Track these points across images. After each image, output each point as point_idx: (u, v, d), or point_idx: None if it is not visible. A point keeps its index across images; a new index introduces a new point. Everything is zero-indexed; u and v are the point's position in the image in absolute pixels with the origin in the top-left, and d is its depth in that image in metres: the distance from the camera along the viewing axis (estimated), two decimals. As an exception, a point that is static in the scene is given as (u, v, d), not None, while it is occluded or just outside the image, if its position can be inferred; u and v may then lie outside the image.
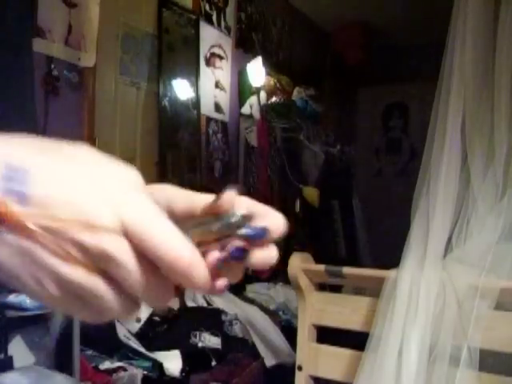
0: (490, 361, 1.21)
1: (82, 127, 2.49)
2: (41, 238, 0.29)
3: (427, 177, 1.46)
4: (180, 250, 0.31)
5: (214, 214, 0.35)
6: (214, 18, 3.56)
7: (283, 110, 4.13)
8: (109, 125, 2.73)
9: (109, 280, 0.31)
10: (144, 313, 2.02)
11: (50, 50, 2.24)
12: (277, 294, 2.91)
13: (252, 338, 2.27)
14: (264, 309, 2.63)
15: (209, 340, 2.07)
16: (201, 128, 3.39)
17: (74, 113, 2.44)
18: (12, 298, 1.62)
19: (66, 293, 0.30)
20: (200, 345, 2.03)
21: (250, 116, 3.93)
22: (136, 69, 2.90)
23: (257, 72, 3.79)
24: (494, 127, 1.43)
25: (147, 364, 1.80)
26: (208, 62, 3.48)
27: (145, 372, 1.78)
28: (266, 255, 0.35)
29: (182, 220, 0.35)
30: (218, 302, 2.49)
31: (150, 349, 1.88)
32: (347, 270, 1.43)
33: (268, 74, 4.00)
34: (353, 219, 4.54)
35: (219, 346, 2.07)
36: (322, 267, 1.45)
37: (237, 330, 2.28)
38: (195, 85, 3.32)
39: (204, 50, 3.43)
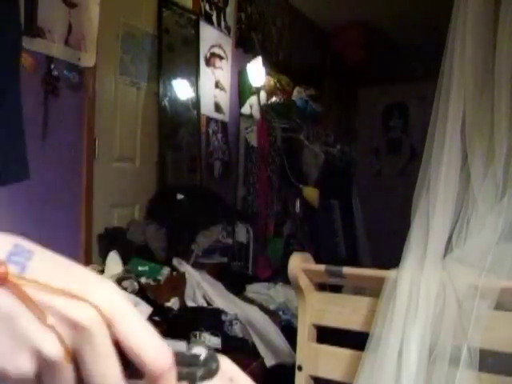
0: (489, 361, 1.21)
1: (81, 127, 2.49)
2: (29, 302, 0.31)
3: (427, 177, 1.46)
4: (156, 360, 0.33)
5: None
6: (214, 18, 3.56)
7: (283, 109, 4.14)
8: (109, 125, 2.73)
9: (76, 369, 0.31)
10: (144, 313, 2.02)
11: (49, 50, 2.24)
12: (277, 294, 2.91)
13: (252, 338, 2.27)
14: (264, 309, 2.63)
15: (209, 340, 2.07)
16: (201, 128, 3.39)
17: (74, 113, 2.44)
18: None
19: (33, 369, 0.31)
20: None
21: (250, 116, 3.93)
22: (136, 69, 2.90)
23: (257, 72, 3.79)
24: (494, 127, 1.43)
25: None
26: (208, 62, 3.48)
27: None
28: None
29: None
30: (218, 302, 2.49)
31: (150, 349, 1.88)
32: (347, 269, 1.43)
33: (268, 73, 4.01)
34: (353, 219, 4.54)
35: (219, 346, 2.07)
36: (322, 267, 1.45)
37: (237, 330, 2.28)
38: (195, 85, 3.32)
39: (204, 50, 3.43)
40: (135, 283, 2.23)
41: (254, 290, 2.94)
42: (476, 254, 1.33)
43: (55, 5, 2.26)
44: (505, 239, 1.33)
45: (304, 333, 1.48)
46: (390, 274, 1.37)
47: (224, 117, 3.66)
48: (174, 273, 2.56)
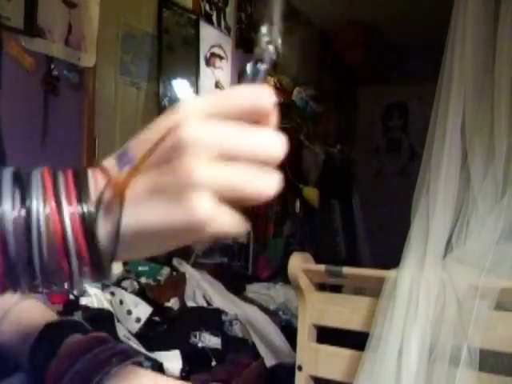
0: (490, 361, 1.21)
1: (81, 127, 2.49)
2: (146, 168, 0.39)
3: (427, 177, 1.46)
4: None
5: None
6: (214, 17, 3.56)
7: (283, 109, 4.13)
8: (109, 125, 2.73)
9: None
10: (144, 313, 2.02)
11: (49, 50, 2.24)
12: (277, 293, 2.90)
13: (252, 338, 2.27)
14: (264, 309, 2.63)
15: (209, 340, 2.07)
16: (201, 128, 3.39)
17: (73, 113, 2.44)
18: None
19: None
20: (200, 345, 2.03)
21: (250, 116, 3.93)
22: (136, 69, 2.90)
23: (257, 72, 3.79)
24: (494, 127, 1.43)
25: (147, 364, 1.80)
26: (208, 62, 3.48)
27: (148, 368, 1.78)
28: (266, 183, 0.40)
29: None
30: (218, 302, 2.49)
31: (150, 349, 1.88)
32: (347, 269, 1.43)
33: (268, 73, 4.00)
34: (353, 219, 4.54)
35: (219, 346, 2.07)
36: (322, 267, 1.45)
37: (237, 330, 2.28)
38: (195, 85, 3.32)
39: (204, 50, 3.43)
40: (135, 283, 2.23)
41: (253, 290, 2.94)
42: (476, 254, 1.33)
43: (55, 5, 2.26)
44: (505, 239, 1.33)
45: (304, 333, 1.48)
46: (389, 273, 1.37)
47: (224, 117, 3.66)
48: (174, 273, 2.56)
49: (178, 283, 2.50)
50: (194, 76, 3.33)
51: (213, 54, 3.53)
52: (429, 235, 1.40)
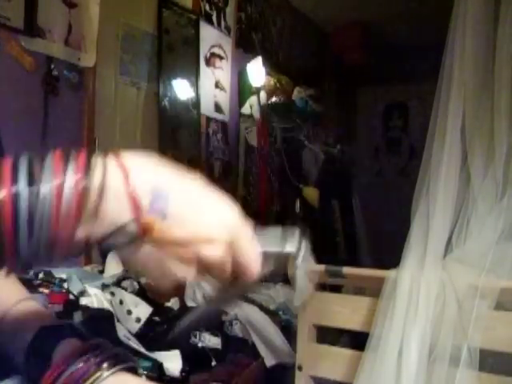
0: (490, 361, 1.21)
1: (81, 127, 2.49)
2: (170, 249, 0.42)
3: (427, 177, 1.46)
4: (256, 269, 0.47)
5: None
6: (214, 17, 3.56)
7: (283, 109, 4.13)
8: (109, 125, 2.73)
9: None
10: (144, 313, 2.02)
11: (49, 50, 2.24)
12: (277, 293, 2.90)
13: (252, 338, 2.27)
14: (264, 309, 2.63)
15: (209, 340, 2.07)
16: (201, 128, 3.39)
17: (73, 113, 2.44)
18: None
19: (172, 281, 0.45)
20: (200, 345, 2.03)
21: (250, 116, 3.93)
22: (136, 69, 2.90)
23: (257, 72, 3.79)
24: (494, 127, 1.43)
25: (147, 364, 1.80)
26: (208, 62, 3.48)
27: (145, 372, 1.78)
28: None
29: None
30: (218, 302, 2.49)
31: (150, 349, 1.88)
32: (347, 269, 1.43)
33: (268, 73, 4.00)
34: (353, 219, 4.54)
35: (219, 346, 2.07)
36: (321, 267, 1.45)
37: (237, 330, 2.28)
38: (195, 85, 3.32)
39: (204, 50, 3.43)
40: (135, 283, 2.23)
41: (253, 290, 2.93)
42: (476, 254, 1.33)
43: (55, 5, 2.26)
44: (505, 239, 1.33)
45: (304, 333, 1.48)
46: (389, 274, 1.37)
47: (224, 117, 3.66)
48: (174, 273, 2.55)
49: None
50: (194, 76, 3.33)
51: (213, 54, 3.53)
52: (429, 235, 1.40)
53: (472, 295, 1.23)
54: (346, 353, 1.44)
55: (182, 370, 1.85)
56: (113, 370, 0.51)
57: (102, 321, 1.78)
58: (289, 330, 2.42)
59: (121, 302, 1.98)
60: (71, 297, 1.87)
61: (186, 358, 1.89)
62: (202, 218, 0.43)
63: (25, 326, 0.57)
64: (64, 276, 2.01)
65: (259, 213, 3.89)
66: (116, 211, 0.41)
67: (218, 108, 3.60)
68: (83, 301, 1.90)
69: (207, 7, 3.47)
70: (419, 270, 1.34)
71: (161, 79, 3.03)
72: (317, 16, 4.74)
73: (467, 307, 1.23)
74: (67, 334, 0.55)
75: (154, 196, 0.41)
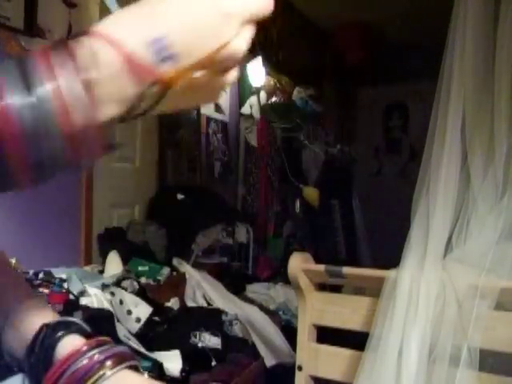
0: (489, 361, 1.21)
1: (82, 127, 2.49)
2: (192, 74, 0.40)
3: (427, 177, 1.46)
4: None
5: None
6: (214, 17, 3.56)
7: (283, 109, 4.14)
8: (109, 125, 2.73)
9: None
10: (144, 313, 2.02)
11: (49, 50, 2.24)
12: (277, 293, 2.91)
13: (252, 338, 2.27)
14: (264, 309, 2.63)
15: (209, 340, 2.07)
16: (201, 128, 3.39)
17: (73, 113, 2.44)
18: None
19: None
20: (200, 345, 2.03)
21: (250, 116, 3.93)
22: (136, 69, 2.90)
23: (257, 72, 3.79)
24: (494, 127, 1.43)
25: (147, 364, 1.80)
26: (208, 62, 3.48)
27: (145, 372, 1.78)
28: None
29: None
30: (218, 302, 2.49)
31: (150, 349, 1.88)
32: (347, 269, 1.43)
33: (268, 74, 4.01)
34: (353, 219, 4.54)
35: (219, 346, 2.07)
36: (321, 267, 1.45)
37: (237, 330, 2.28)
38: (195, 85, 3.32)
39: (204, 50, 3.43)
40: (135, 283, 2.23)
41: (253, 289, 2.94)
42: (476, 253, 1.33)
43: (55, 5, 2.26)
44: (505, 239, 1.33)
45: (304, 333, 1.48)
46: (389, 274, 1.37)
47: (224, 117, 3.66)
48: (174, 273, 2.56)
49: (178, 283, 2.50)
50: (194, 76, 3.33)
51: (213, 54, 3.53)
52: (429, 235, 1.40)
53: (472, 295, 1.23)
54: (346, 353, 1.44)
55: (182, 370, 1.85)
56: (116, 368, 0.51)
57: (102, 321, 1.78)
58: (289, 330, 2.42)
59: (121, 302, 1.98)
60: (71, 297, 1.87)
61: (185, 358, 1.89)
62: (205, 28, 0.40)
63: (26, 324, 0.57)
64: (64, 276, 2.01)
65: (259, 213, 3.89)
66: (126, 85, 0.39)
67: (218, 108, 3.60)
68: (83, 301, 1.90)
69: (207, 7, 3.47)
70: (419, 270, 1.34)
71: (161, 79, 3.03)
72: (317, 16, 4.74)
73: (467, 307, 1.23)
74: (70, 330, 0.55)
75: (154, 46, 0.38)
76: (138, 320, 1.99)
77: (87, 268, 2.42)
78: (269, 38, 4.31)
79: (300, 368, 1.48)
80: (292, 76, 4.39)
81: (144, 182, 3.00)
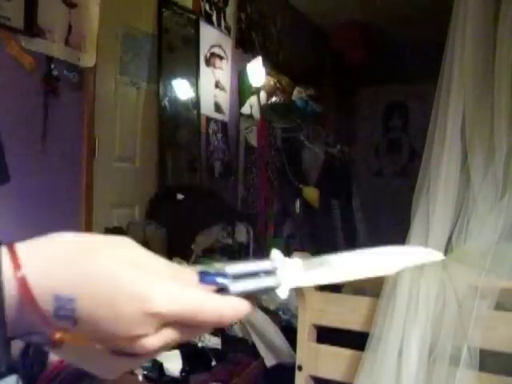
0: (489, 361, 1.21)
1: (81, 127, 2.49)
2: (88, 344, 0.37)
3: (427, 177, 1.46)
4: (213, 309, 0.39)
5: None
6: (214, 17, 3.56)
7: (283, 109, 4.13)
8: (109, 125, 2.73)
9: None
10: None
11: (49, 50, 2.24)
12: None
13: (252, 338, 2.27)
14: (264, 309, 2.63)
15: (209, 340, 2.07)
16: (201, 128, 3.39)
17: (74, 113, 2.44)
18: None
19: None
20: (200, 345, 2.03)
21: (250, 116, 3.93)
22: (136, 69, 2.90)
23: (257, 72, 3.79)
24: (494, 127, 1.43)
25: (147, 364, 1.80)
26: (208, 62, 3.48)
27: (145, 372, 1.78)
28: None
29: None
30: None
31: (150, 349, 1.88)
32: (347, 269, 1.43)
33: (268, 74, 4.00)
34: (353, 219, 4.54)
35: (219, 346, 2.07)
36: (322, 267, 1.45)
37: (237, 330, 2.28)
38: (195, 85, 3.32)
39: (204, 50, 3.43)
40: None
41: (254, 290, 2.93)
42: (476, 253, 1.33)
43: (55, 5, 2.26)
44: (505, 239, 1.33)
45: (304, 333, 1.48)
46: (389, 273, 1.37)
47: (224, 117, 3.66)
48: (174, 273, 2.55)
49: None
50: (194, 76, 3.33)
51: (213, 54, 3.53)
52: (429, 235, 1.40)
53: (472, 295, 1.23)
54: (346, 353, 1.44)
55: (182, 370, 1.85)
56: None
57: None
58: (289, 330, 2.42)
59: (121, 302, 1.98)
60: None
61: (186, 358, 1.89)
62: (119, 315, 0.37)
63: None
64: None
65: (259, 213, 3.89)
66: (21, 320, 0.37)
67: (217, 108, 3.60)
68: (83, 301, 1.89)
69: (207, 7, 3.47)
70: (419, 270, 1.34)
71: (161, 79, 3.03)
72: (317, 16, 4.74)
73: (467, 307, 1.23)
74: None
75: (58, 302, 0.37)
76: (138, 320, 1.99)
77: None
78: (269, 38, 4.31)
79: (300, 368, 1.48)
80: (292, 76, 4.39)
81: (144, 182, 3.00)
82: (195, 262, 2.83)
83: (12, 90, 2.11)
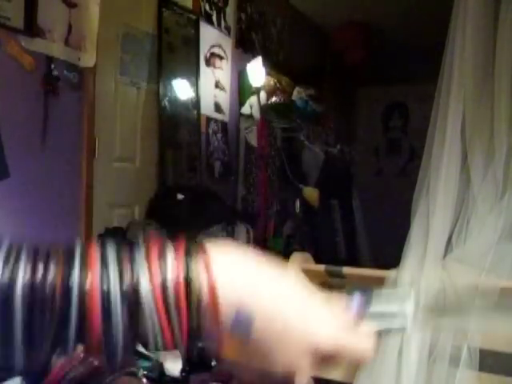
0: (489, 361, 1.21)
1: (81, 127, 2.49)
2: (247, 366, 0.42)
3: (427, 177, 1.46)
4: (363, 352, 0.45)
5: None
6: (214, 17, 3.56)
7: (283, 109, 4.13)
8: (109, 125, 2.73)
9: None
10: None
11: (49, 50, 2.24)
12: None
13: (252, 338, 2.27)
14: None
15: (209, 340, 2.07)
16: (201, 128, 3.39)
17: (74, 113, 2.44)
18: None
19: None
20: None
21: (250, 116, 3.93)
22: (136, 69, 2.90)
23: (257, 72, 3.79)
24: (494, 127, 1.43)
25: (147, 364, 1.80)
26: (208, 62, 3.48)
27: (145, 372, 1.78)
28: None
29: None
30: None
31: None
32: (347, 269, 1.43)
33: (268, 74, 4.00)
34: (353, 219, 4.54)
35: (219, 346, 2.07)
36: (321, 267, 1.45)
37: (237, 329, 2.28)
38: (195, 85, 3.32)
39: (204, 50, 3.43)
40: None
41: (253, 289, 2.93)
42: (476, 254, 1.33)
43: (55, 5, 2.26)
44: (505, 239, 1.33)
45: (304, 333, 1.48)
46: (389, 273, 1.37)
47: (224, 117, 3.66)
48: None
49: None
50: (194, 76, 3.33)
51: (213, 54, 3.53)
52: (429, 235, 1.40)
53: (472, 295, 1.23)
54: (346, 353, 1.44)
55: (182, 370, 1.85)
56: (114, 375, 0.51)
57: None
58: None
59: (121, 302, 1.98)
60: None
61: (186, 358, 1.89)
62: (287, 349, 0.40)
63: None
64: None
65: (259, 213, 3.89)
66: (199, 319, 0.40)
67: (218, 108, 3.60)
68: (83, 301, 1.89)
69: (207, 7, 3.47)
70: (419, 270, 1.34)
71: (161, 79, 3.03)
72: (317, 16, 4.74)
73: (467, 307, 1.23)
74: None
75: (238, 317, 0.39)
76: (138, 320, 1.99)
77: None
78: (269, 38, 4.31)
79: (300, 368, 1.47)
80: (292, 76, 4.39)
81: (144, 182, 3.00)
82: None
83: (12, 90, 2.11)
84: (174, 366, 1.85)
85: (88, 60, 2.44)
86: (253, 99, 3.92)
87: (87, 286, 0.36)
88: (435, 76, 1.52)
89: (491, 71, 1.45)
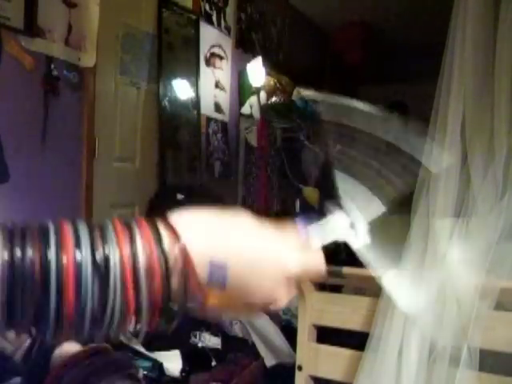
0: (489, 361, 1.21)
1: (81, 127, 2.49)
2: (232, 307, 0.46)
3: (427, 177, 1.46)
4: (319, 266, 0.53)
5: None
6: (214, 17, 3.56)
7: (283, 109, 4.13)
8: (109, 125, 2.73)
9: None
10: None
11: (50, 50, 2.24)
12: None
13: (252, 338, 2.27)
14: (264, 309, 2.63)
15: (209, 340, 2.07)
16: (201, 128, 3.39)
17: (74, 113, 2.44)
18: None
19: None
20: (200, 345, 2.03)
21: (250, 116, 3.93)
22: (136, 69, 2.90)
23: (257, 72, 3.79)
24: (494, 127, 1.43)
25: (147, 364, 1.80)
26: (208, 62, 3.48)
27: (145, 372, 1.78)
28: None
29: None
30: (218, 302, 2.49)
31: (150, 349, 1.88)
32: (347, 270, 1.43)
33: (268, 74, 4.01)
34: (353, 219, 4.53)
35: (219, 346, 2.07)
36: (321, 267, 1.45)
37: (237, 329, 2.28)
38: (195, 85, 3.32)
39: (204, 50, 3.43)
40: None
41: (254, 289, 2.93)
42: (476, 253, 1.33)
43: (55, 5, 2.26)
44: (505, 239, 1.33)
45: (304, 333, 1.48)
46: (389, 273, 1.37)
47: (224, 117, 3.66)
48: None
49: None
50: (194, 76, 3.33)
51: (213, 54, 3.54)
52: (429, 235, 1.40)
53: (472, 295, 1.23)
54: (346, 353, 1.44)
55: (182, 370, 1.85)
56: (113, 376, 0.51)
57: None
58: (289, 330, 2.42)
59: (121, 302, 1.98)
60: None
61: (186, 358, 1.89)
62: (264, 280, 0.43)
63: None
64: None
65: (259, 213, 3.89)
66: (177, 284, 0.42)
67: (218, 108, 3.60)
68: (83, 301, 1.89)
69: (207, 7, 3.47)
70: (419, 270, 1.34)
71: (161, 79, 3.03)
72: (317, 16, 4.74)
73: (467, 307, 1.23)
74: None
75: (212, 267, 0.41)
76: (138, 320, 1.99)
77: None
78: (269, 38, 4.31)
79: (300, 368, 1.48)
80: (292, 76, 4.39)
81: (144, 182, 3.00)
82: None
83: (12, 90, 2.11)
84: (173, 365, 1.86)
85: (88, 60, 2.44)
86: (253, 99, 3.92)
87: (64, 260, 0.38)
88: (435, 75, 1.52)
89: (491, 71, 1.45)
